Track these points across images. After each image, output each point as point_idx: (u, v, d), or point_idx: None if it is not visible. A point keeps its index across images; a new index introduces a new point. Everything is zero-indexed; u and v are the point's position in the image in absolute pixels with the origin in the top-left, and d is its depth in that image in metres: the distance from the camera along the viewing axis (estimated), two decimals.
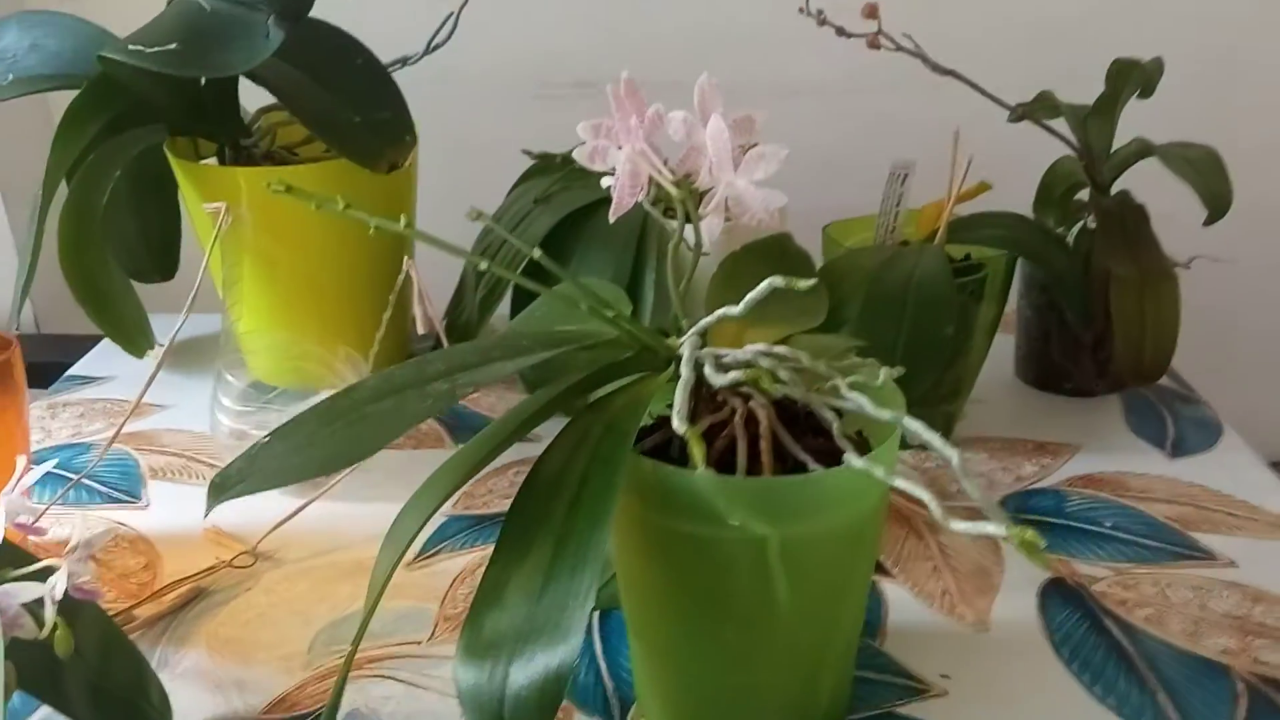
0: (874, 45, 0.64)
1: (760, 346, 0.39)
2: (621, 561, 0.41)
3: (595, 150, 0.45)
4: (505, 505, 0.57)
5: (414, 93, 0.66)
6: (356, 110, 0.60)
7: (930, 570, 0.52)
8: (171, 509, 0.58)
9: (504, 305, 0.67)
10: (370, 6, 0.71)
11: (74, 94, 0.61)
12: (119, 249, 0.73)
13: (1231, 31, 0.93)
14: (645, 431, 0.41)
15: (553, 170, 0.68)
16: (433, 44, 0.69)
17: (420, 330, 0.58)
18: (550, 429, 0.37)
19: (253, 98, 0.65)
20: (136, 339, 0.69)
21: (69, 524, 0.55)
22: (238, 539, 0.53)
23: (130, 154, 0.62)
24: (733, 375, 0.37)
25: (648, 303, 0.61)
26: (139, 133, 0.62)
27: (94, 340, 0.79)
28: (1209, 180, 0.61)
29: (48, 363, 0.84)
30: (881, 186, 0.62)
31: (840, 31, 0.63)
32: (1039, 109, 0.66)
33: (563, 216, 0.64)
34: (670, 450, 0.40)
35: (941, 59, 0.63)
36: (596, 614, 0.49)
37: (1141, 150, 0.65)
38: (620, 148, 0.44)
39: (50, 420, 0.67)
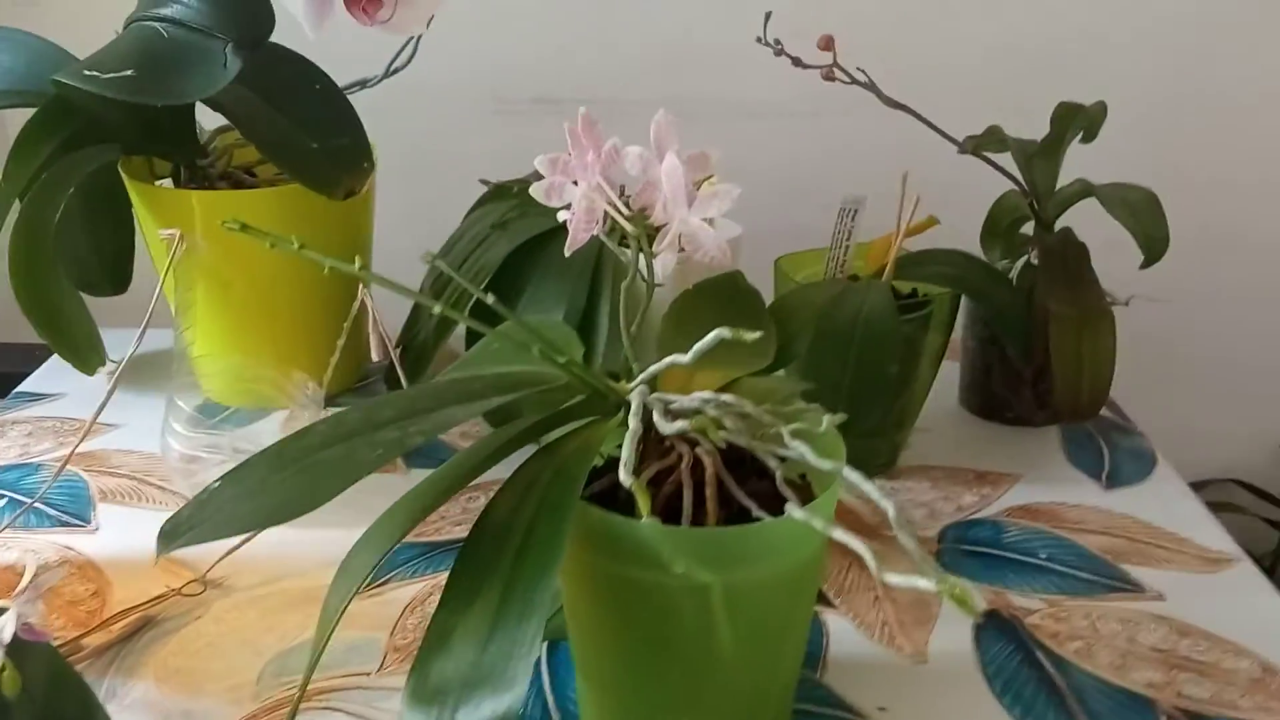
0: (828, 78, 0.65)
1: (706, 395, 0.40)
2: (569, 602, 0.42)
3: (551, 187, 0.46)
4: (456, 532, 0.58)
5: (372, 107, 0.66)
6: (314, 137, 0.60)
7: (871, 601, 0.53)
8: (121, 533, 0.58)
9: (462, 325, 0.68)
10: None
11: (28, 111, 0.61)
12: (70, 261, 0.72)
13: (1181, 62, 0.96)
14: (596, 472, 0.42)
15: (509, 197, 0.68)
16: (392, 67, 0.70)
17: (375, 357, 0.58)
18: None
19: (210, 116, 0.65)
20: (88, 356, 0.68)
21: (17, 549, 0.55)
22: (187, 565, 0.53)
23: (84, 172, 0.62)
24: (679, 425, 0.38)
25: (602, 332, 0.62)
26: (93, 151, 0.62)
27: (45, 350, 0.78)
28: (1145, 224, 0.63)
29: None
30: (832, 207, 0.63)
31: (796, 62, 0.65)
32: (987, 143, 0.68)
33: (519, 244, 0.65)
34: (620, 492, 0.41)
35: (896, 85, 0.65)
36: (545, 645, 0.49)
37: (1083, 191, 0.67)
38: (576, 183, 0.45)
39: None
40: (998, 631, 0.51)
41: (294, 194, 0.62)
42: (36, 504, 0.58)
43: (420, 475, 0.35)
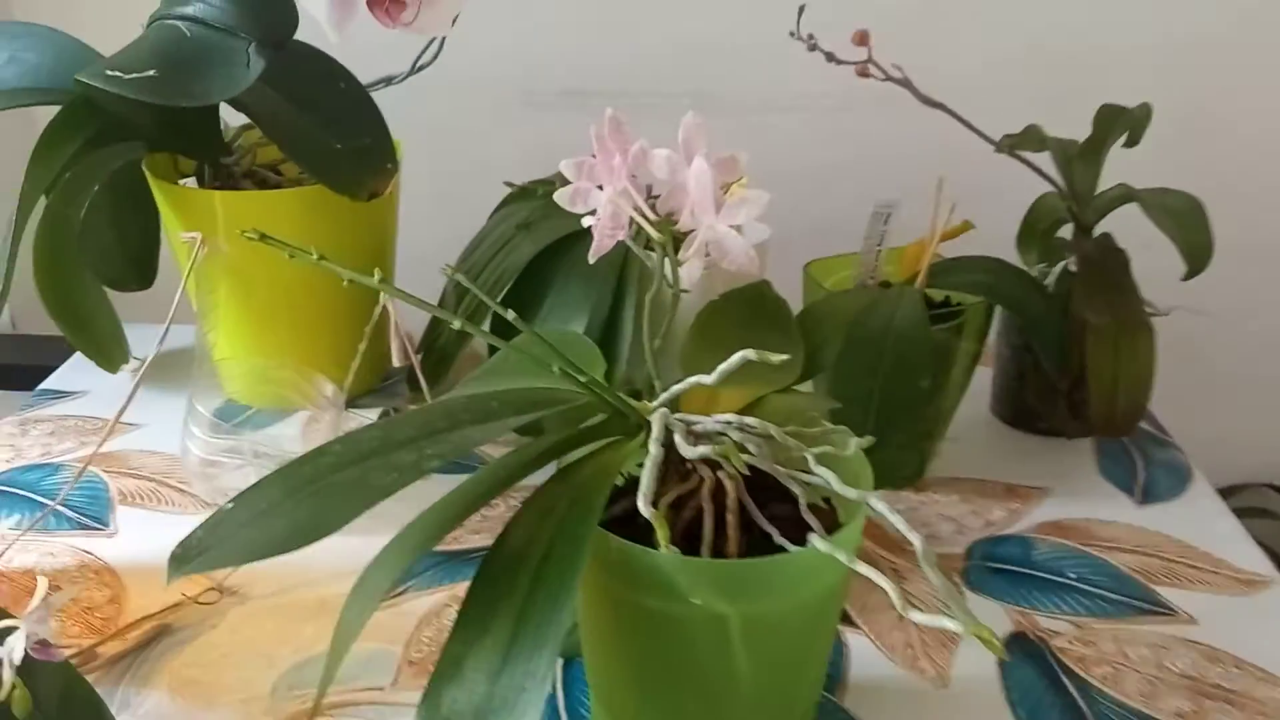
0: (863, 74, 0.64)
1: (729, 417, 0.40)
2: (585, 625, 0.41)
3: (577, 192, 0.45)
4: (475, 541, 0.58)
5: (398, 102, 0.65)
6: (337, 137, 0.60)
7: (894, 620, 0.52)
8: (139, 537, 0.57)
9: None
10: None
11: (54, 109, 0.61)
12: (96, 256, 0.72)
13: (1228, 65, 0.93)
14: (617, 491, 0.41)
15: (534, 197, 0.67)
16: (418, 64, 0.69)
17: (396, 363, 0.58)
18: None
19: (235, 113, 0.65)
20: (112, 354, 0.68)
21: (35, 552, 0.55)
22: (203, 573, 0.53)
23: (108, 170, 0.61)
24: (702, 449, 0.37)
25: (625, 339, 0.61)
26: (117, 149, 0.62)
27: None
28: (1189, 232, 0.61)
29: (24, 365, 0.84)
30: (866, 206, 0.61)
31: (830, 58, 0.63)
32: (1025, 142, 0.66)
33: (544, 246, 0.64)
34: (640, 515, 0.40)
35: (932, 82, 0.63)
36: (559, 662, 0.49)
37: (1124, 196, 0.65)
38: (602, 187, 0.44)
39: (20, 438, 0.67)
40: (1024, 655, 0.50)
41: (317, 194, 0.61)
42: (57, 506, 0.58)
43: (442, 479, 0.35)
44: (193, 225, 0.63)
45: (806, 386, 0.61)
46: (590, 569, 0.37)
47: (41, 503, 0.59)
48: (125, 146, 0.62)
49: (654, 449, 0.37)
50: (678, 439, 0.38)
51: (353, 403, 0.69)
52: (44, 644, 0.36)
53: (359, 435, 0.38)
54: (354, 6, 0.52)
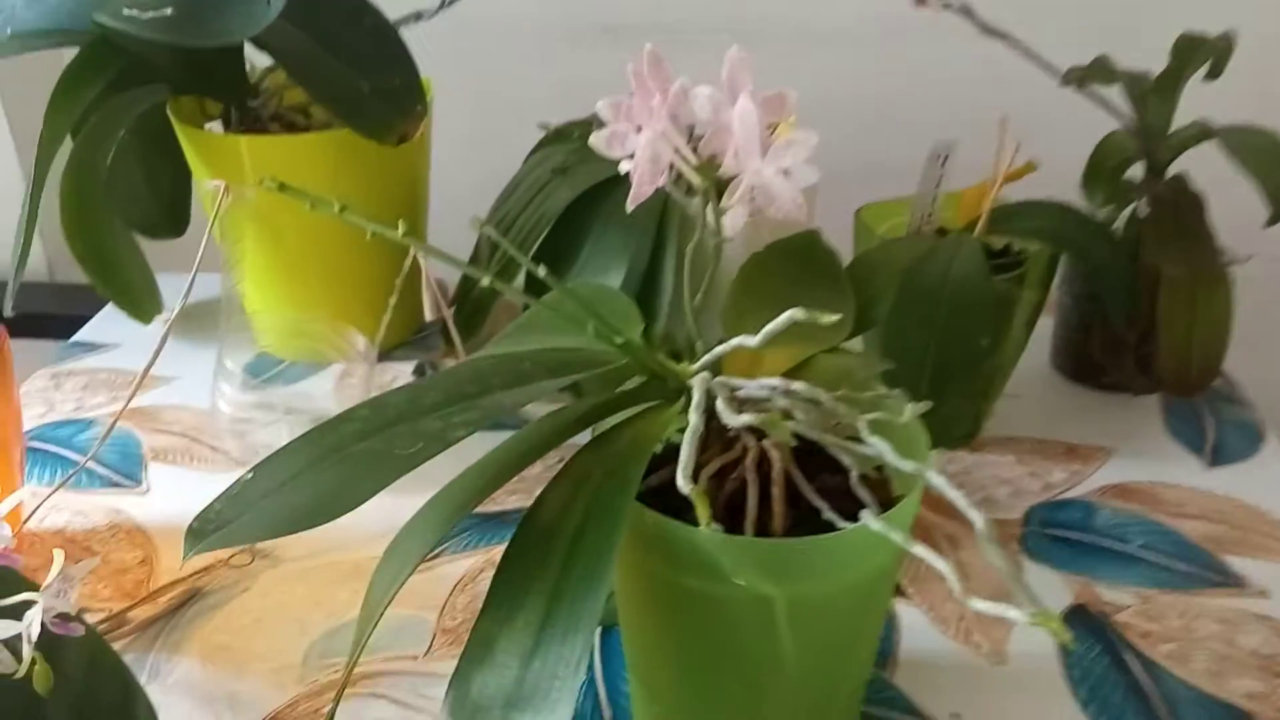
0: (921, 2, 0.60)
1: (775, 381, 0.37)
2: (622, 600, 0.39)
3: (613, 135, 0.42)
4: (511, 502, 0.56)
5: (431, 40, 0.62)
6: (365, 77, 0.57)
7: (947, 592, 0.50)
8: (171, 495, 0.56)
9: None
10: None
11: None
12: (128, 203, 0.71)
13: None
14: (656, 459, 0.39)
15: (570, 140, 0.64)
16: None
17: (428, 317, 0.56)
18: None
19: (262, 55, 0.62)
20: (144, 304, 0.67)
21: (67, 511, 0.55)
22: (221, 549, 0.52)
23: (133, 114, 0.59)
24: (745, 418, 0.35)
25: (666, 290, 0.58)
26: (141, 92, 0.59)
27: None
28: (1273, 173, 0.56)
29: (59, 315, 0.83)
30: (922, 146, 0.58)
31: None
32: (1093, 75, 0.62)
33: (582, 191, 0.61)
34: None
35: (992, 10, 0.59)
36: (596, 631, 0.47)
37: (1201, 134, 0.61)
38: (640, 130, 0.41)
39: (54, 392, 0.66)
40: (1084, 630, 0.47)
41: (346, 138, 0.58)
42: (88, 463, 0.57)
43: (482, 435, 0.33)
44: (219, 171, 0.61)
45: (856, 343, 0.58)
46: (626, 544, 0.35)
47: (74, 460, 0.59)
48: (148, 90, 0.60)
49: (694, 418, 0.34)
50: (720, 406, 0.36)
51: (386, 355, 0.67)
52: (64, 617, 0.35)
53: (385, 400, 0.36)
54: None
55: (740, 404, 0.37)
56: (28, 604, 0.34)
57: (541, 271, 0.37)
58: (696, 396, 0.35)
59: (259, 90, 0.64)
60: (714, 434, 0.38)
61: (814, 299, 0.46)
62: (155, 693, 0.40)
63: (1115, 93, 0.62)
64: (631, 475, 0.34)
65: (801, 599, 0.34)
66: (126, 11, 0.51)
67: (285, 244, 0.62)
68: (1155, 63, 0.62)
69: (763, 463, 0.37)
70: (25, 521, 0.52)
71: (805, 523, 0.36)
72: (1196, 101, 0.62)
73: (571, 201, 0.61)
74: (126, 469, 0.58)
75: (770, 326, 0.37)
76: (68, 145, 0.59)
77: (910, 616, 0.48)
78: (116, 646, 0.46)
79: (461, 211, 0.52)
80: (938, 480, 0.34)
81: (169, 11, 0.51)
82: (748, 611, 0.34)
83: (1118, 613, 0.48)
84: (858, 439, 0.36)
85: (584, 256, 0.60)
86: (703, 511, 0.32)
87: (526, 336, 0.46)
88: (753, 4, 0.91)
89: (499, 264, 0.63)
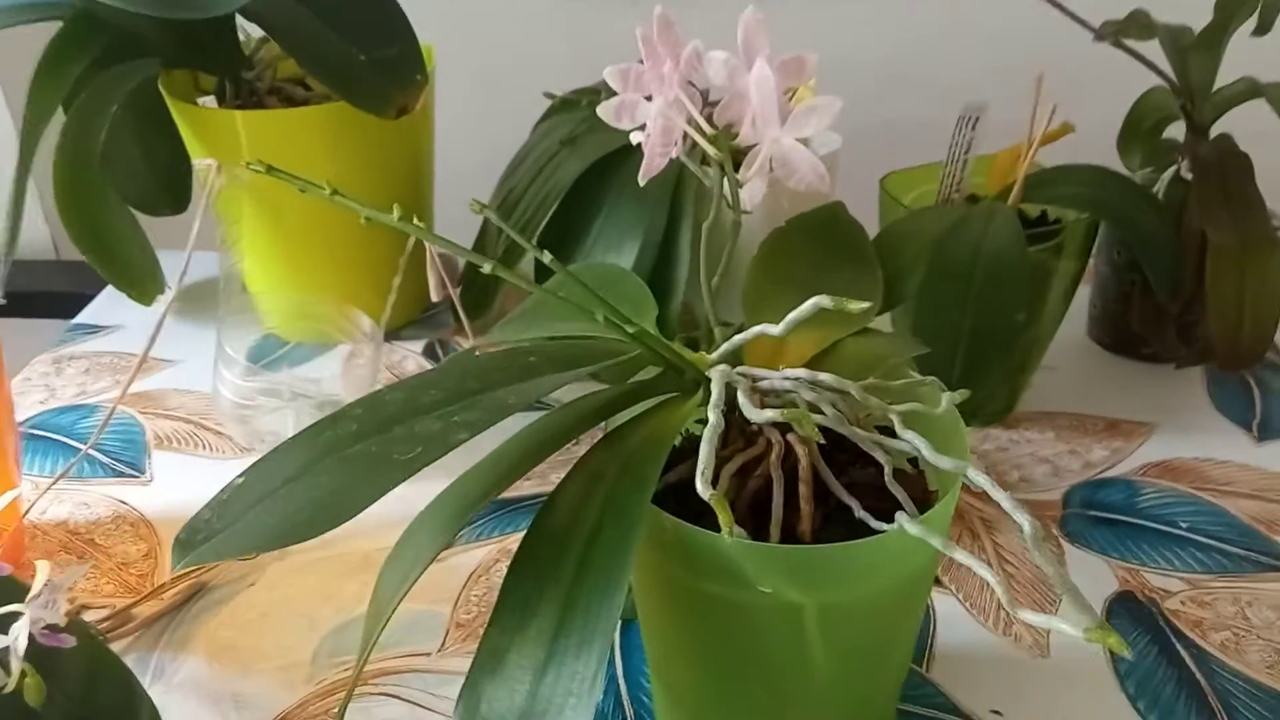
0: None
1: (800, 373, 0.34)
2: (642, 602, 0.37)
3: (622, 105, 0.39)
4: (526, 488, 0.54)
5: (431, 4, 0.59)
6: (361, 46, 0.54)
7: (984, 580, 0.47)
8: (175, 484, 0.55)
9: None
10: None
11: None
12: (127, 179, 0.68)
13: None
14: (675, 453, 0.37)
15: (578, 109, 0.61)
16: None
17: (434, 299, 0.53)
18: None
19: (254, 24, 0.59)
20: (145, 285, 0.64)
21: (69, 502, 0.53)
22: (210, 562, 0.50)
23: (123, 89, 0.56)
24: (769, 414, 0.32)
25: (683, 265, 0.55)
26: (131, 67, 0.57)
27: None
28: None
29: (67, 293, 0.81)
30: (950, 108, 0.54)
31: None
32: (1130, 29, 0.58)
33: (592, 162, 0.58)
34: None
35: None
36: (615, 633, 0.45)
37: (1249, 91, 0.57)
38: (651, 98, 0.39)
39: (55, 377, 0.64)
40: (1132, 619, 0.45)
41: (345, 112, 0.56)
42: (89, 451, 0.55)
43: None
44: (214, 147, 0.58)
45: (884, 321, 0.55)
46: (644, 546, 0.33)
47: (76, 448, 0.57)
48: (139, 64, 0.57)
49: (713, 416, 0.32)
50: (742, 400, 0.33)
51: (395, 334, 0.65)
52: (53, 629, 0.33)
53: (382, 397, 0.34)
54: None
55: (763, 397, 0.35)
56: (14, 616, 0.32)
57: (547, 258, 0.35)
58: (716, 392, 0.33)
59: (253, 62, 0.61)
60: (735, 427, 0.35)
61: (840, 280, 0.44)
62: (159, 694, 0.39)
63: (1152, 48, 0.59)
64: (648, 475, 0.32)
65: (832, 606, 0.32)
66: None
67: (285, 222, 0.60)
68: (1190, 17, 0.58)
69: (788, 457, 0.34)
70: (25, 514, 0.50)
71: (835, 520, 0.34)
72: (1235, 58, 0.58)
73: (581, 173, 0.58)
74: (130, 457, 0.56)
75: (794, 314, 0.34)
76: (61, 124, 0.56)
77: (946, 606, 0.46)
78: (120, 645, 0.44)
79: (468, 185, 0.50)
80: (981, 479, 0.32)
81: None
82: (774, 618, 0.32)
83: (1166, 599, 0.46)
84: (889, 429, 0.34)
85: (595, 231, 0.58)
86: (724, 518, 0.30)
87: (534, 321, 0.44)
88: None
89: (508, 241, 0.61)
